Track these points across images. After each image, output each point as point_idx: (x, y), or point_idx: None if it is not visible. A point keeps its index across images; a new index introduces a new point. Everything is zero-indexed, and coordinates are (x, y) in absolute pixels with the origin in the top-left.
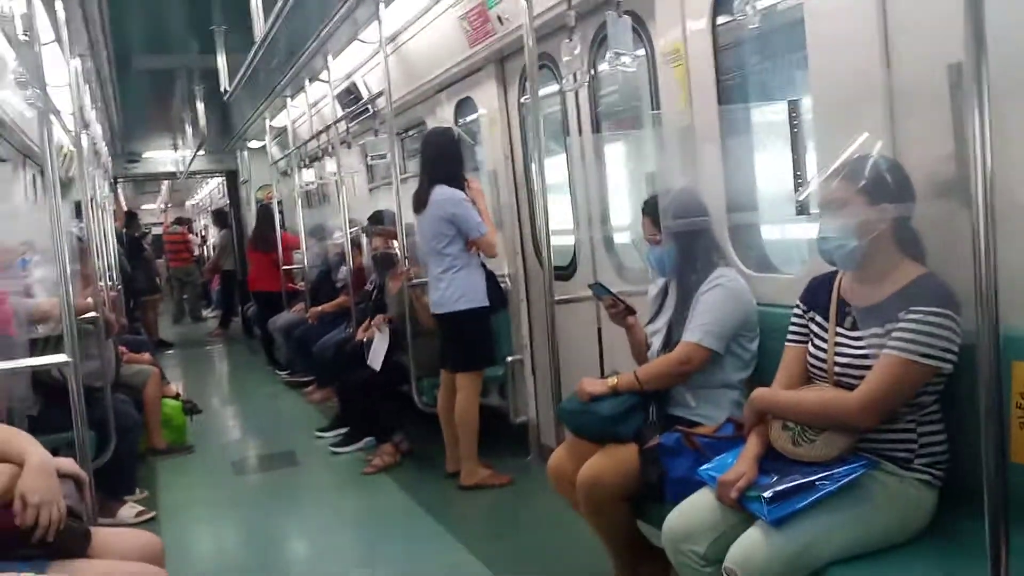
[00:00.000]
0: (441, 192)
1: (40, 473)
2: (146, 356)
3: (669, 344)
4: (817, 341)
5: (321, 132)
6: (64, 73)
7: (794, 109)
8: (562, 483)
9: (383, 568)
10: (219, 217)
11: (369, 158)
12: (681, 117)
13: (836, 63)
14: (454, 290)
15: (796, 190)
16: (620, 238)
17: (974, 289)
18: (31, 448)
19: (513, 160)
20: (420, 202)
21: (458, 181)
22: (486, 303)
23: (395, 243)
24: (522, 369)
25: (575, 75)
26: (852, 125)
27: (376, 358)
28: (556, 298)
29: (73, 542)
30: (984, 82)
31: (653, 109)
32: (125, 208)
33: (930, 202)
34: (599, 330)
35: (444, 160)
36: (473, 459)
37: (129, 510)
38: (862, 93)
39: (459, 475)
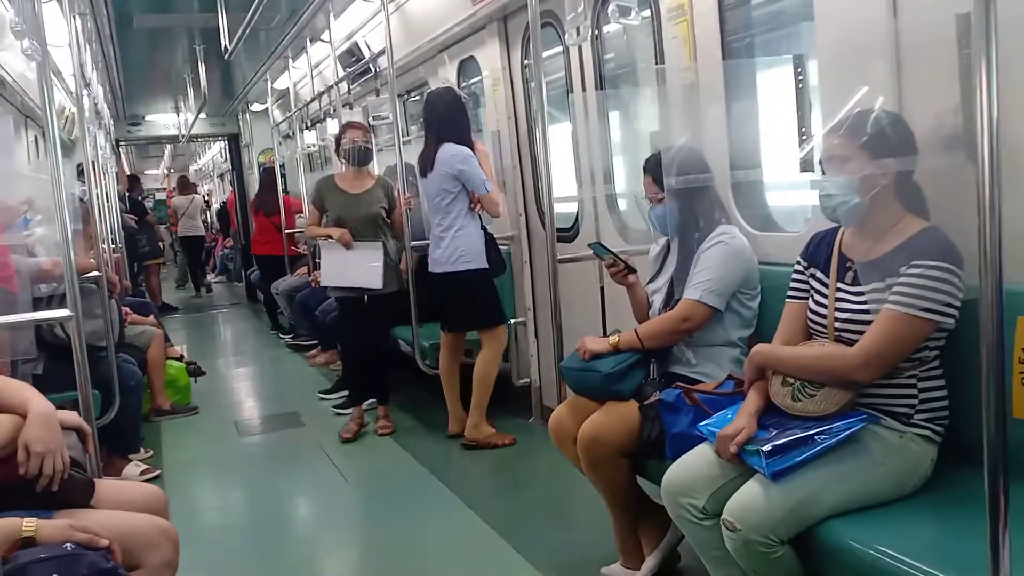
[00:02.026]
0: (449, 149)
1: (43, 423)
2: (150, 318)
3: (670, 303)
4: (817, 297)
5: (323, 93)
6: (64, 33)
7: (799, 64)
8: (563, 441)
9: (385, 527)
10: (183, 184)
11: (371, 119)
12: (685, 73)
13: (842, 14)
14: (453, 250)
15: (800, 146)
16: (623, 198)
17: (978, 243)
18: (34, 398)
19: (516, 121)
20: (428, 162)
21: (465, 142)
22: (485, 265)
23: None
24: (525, 332)
25: (578, 29)
26: (857, 78)
27: (371, 274)
28: (558, 257)
29: (77, 493)
30: (992, 32)
31: (657, 64)
32: (128, 172)
33: (935, 155)
34: (601, 290)
35: (451, 120)
36: (482, 414)
37: (134, 468)
38: (868, 45)
39: (461, 436)
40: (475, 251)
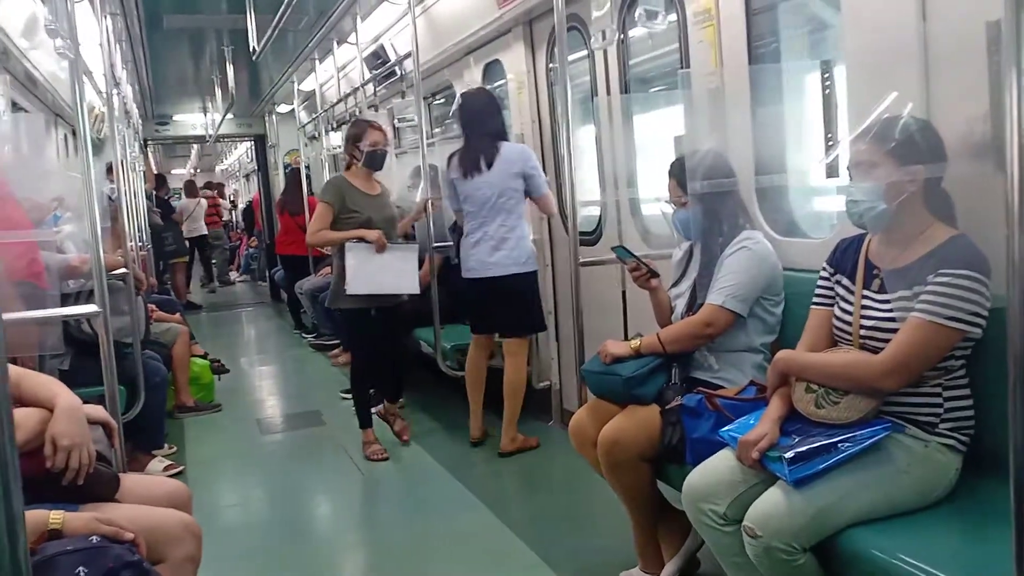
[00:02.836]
0: (513, 147)
1: (70, 417)
2: (175, 316)
3: (693, 307)
4: (843, 304)
5: (348, 95)
6: (95, 32)
7: (826, 69)
8: (584, 444)
9: (404, 527)
10: (189, 187)
11: (396, 121)
12: (711, 78)
13: (871, 20)
14: (520, 251)
15: (827, 152)
16: (647, 202)
17: (1006, 252)
18: (61, 393)
19: (540, 125)
20: (485, 161)
21: (506, 139)
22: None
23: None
24: (546, 335)
25: (604, 33)
26: (885, 84)
27: (408, 277)
28: (581, 261)
29: (102, 486)
30: (1023, 40)
31: (683, 68)
32: (156, 171)
33: (964, 162)
34: (623, 293)
35: (496, 118)
36: (515, 425)
37: (157, 464)
38: (897, 51)
39: (481, 440)
40: (533, 253)
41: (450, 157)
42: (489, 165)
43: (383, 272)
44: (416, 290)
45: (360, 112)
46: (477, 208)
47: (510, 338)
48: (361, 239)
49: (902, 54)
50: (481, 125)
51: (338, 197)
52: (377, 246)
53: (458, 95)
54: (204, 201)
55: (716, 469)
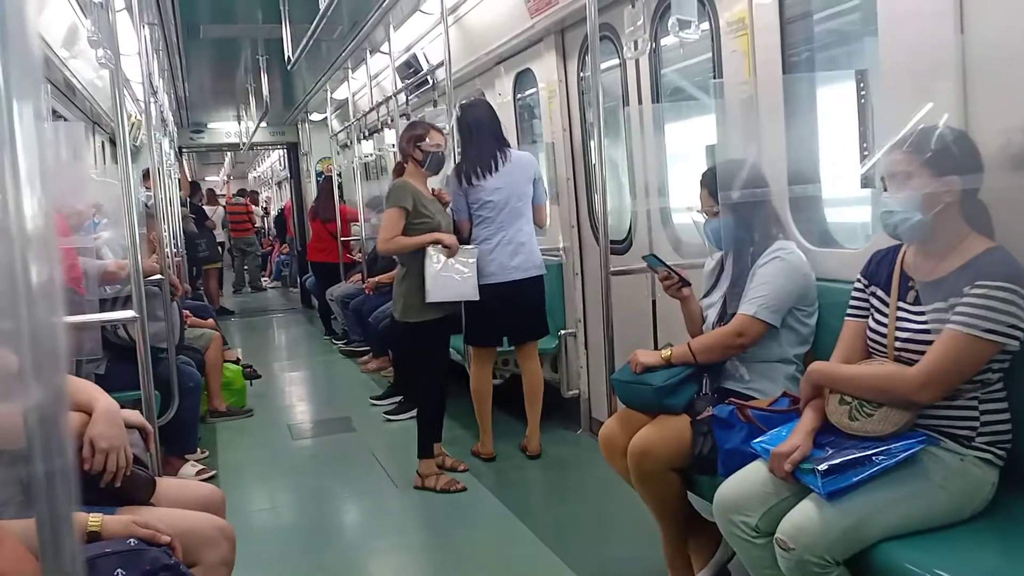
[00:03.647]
0: (522, 153)
1: (108, 420)
2: (209, 321)
3: (724, 317)
4: (878, 316)
5: (381, 104)
6: (134, 42)
7: (862, 79)
8: (613, 454)
9: (433, 534)
10: (211, 195)
11: None
12: (744, 87)
13: (907, 31)
14: (537, 254)
15: (862, 162)
16: (678, 211)
17: None
18: (99, 397)
19: (571, 133)
20: (500, 161)
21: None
22: None
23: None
24: (575, 343)
25: (636, 43)
26: (922, 95)
27: (470, 283)
28: (611, 269)
29: (139, 489)
30: None
31: (715, 78)
32: (190, 178)
33: (1001, 174)
34: (653, 303)
35: (498, 125)
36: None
37: (190, 468)
38: (933, 61)
39: (493, 458)
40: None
41: (457, 168)
42: (501, 166)
43: (454, 278)
44: (476, 296)
45: (392, 120)
46: (495, 213)
47: (527, 343)
48: (438, 242)
49: (939, 65)
50: (489, 129)
51: (410, 201)
52: (452, 250)
53: (456, 108)
54: (221, 209)
55: (748, 480)
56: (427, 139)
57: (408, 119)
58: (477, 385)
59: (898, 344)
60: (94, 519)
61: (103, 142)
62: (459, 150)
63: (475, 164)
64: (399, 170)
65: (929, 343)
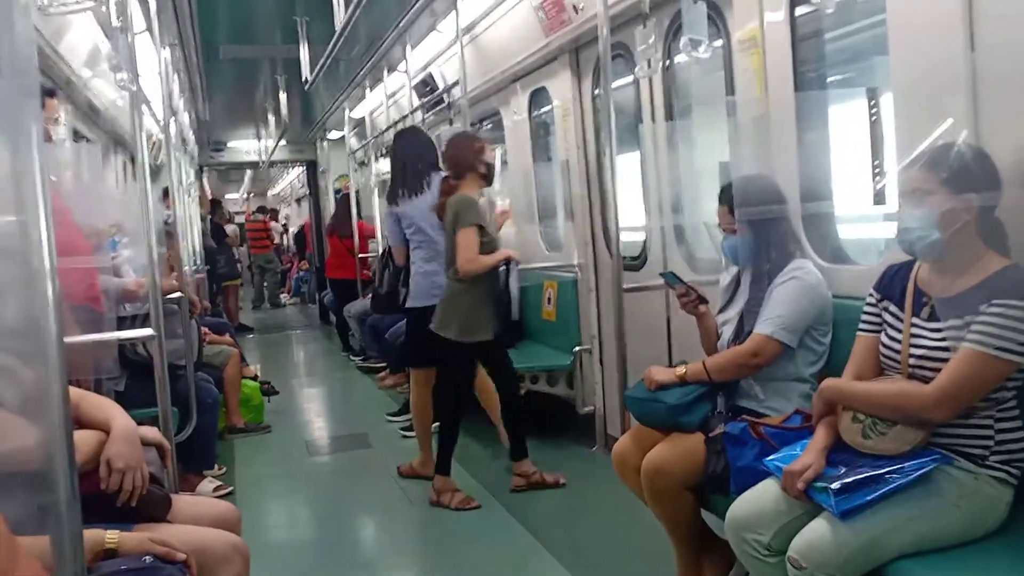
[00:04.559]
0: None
1: (125, 440)
2: (227, 338)
3: (740, 335)
4: (891, 331)
5: (398, 122)
6: (154, 62)
7: (873, 96)
8: (626, 471)
9: (448, 551)
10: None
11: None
12: (756, 104)
13: (918, 47)
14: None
15: (874, 179)
16: (692, 228)
17: None
18: (118, 416)
19: (586, 151)
20: (427, 183)
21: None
22: None
23: None
24: (590, 359)
25: (649, 61)
26: (934, 112)
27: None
28: (625, 286)
29: (155, 507)
30: None
31: (728, 95)
32: (210, 196)
33: (1016, 191)
34: (668, 320)
35: (433, 152)
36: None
37: (208, 484)
38: (945, 78)
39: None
40: None
41: (389, 193)
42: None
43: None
44: (515, 316)
45: None
46: (429, 237)
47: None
48: (509, 260)
49: (950, 82)
50: (417, 156)
51: (481, 217)
52: (518, 266)
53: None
54: (233, 226)
55: (760, 498)
56: (487, 152)
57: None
58: (419, 408)
59: (912, 360)
60: (111, 536)
61: (125, 161)
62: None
63: (404, 184)
64: (449, 188)
65: (944, 360)
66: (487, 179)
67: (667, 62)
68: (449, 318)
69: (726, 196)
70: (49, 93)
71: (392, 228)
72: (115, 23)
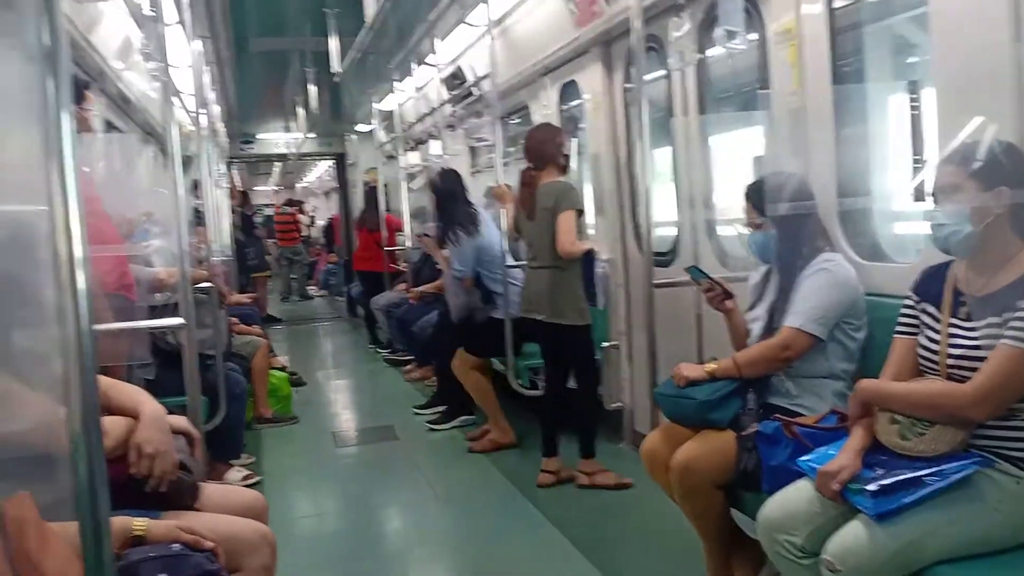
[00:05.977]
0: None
1: (154, 426)
2: (256, 328)
3: (770, 331)
4: (929, 332)
5: (426, 115)
6: (185, 54)
7: (914, 90)
8: (656, 468)
9: (474, 544)
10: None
11: (474, 140)
12: (792, 98)
13: (961, 39)
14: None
15: (914, 175)
16: (724, 224)
17: None
18: (147, 402)
19: (616, 145)
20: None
21: None
22: None
23: None
24: (618, 355)
25: (682, 53)
26: (978, 106)
27: None
28: (655, 282)
29: (183, 494)
30: None
31: (763, 89)
32: (240, 188)
33: None
34: (698, 316)
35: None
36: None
37: (236, 473)
38: (989, 73)
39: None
40: None
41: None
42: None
43: None
44: (603, 303)
45: (437, 131)
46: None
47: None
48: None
49: (995, 76)
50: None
51: (581, 204)
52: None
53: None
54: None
55: (793, 499)
56: (566, 144)
57: (453, 130)
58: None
59: (950, 361)
60: (139, 523)
61: (155, 152)
62: None
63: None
64: (530, 178)
65: (982, 360)
66: (565, 169)
67: (701, 54)
68: (561, 304)
69: (751, 193)
70: (85, 85)
71: (467, 259)
72: (147, 12)
